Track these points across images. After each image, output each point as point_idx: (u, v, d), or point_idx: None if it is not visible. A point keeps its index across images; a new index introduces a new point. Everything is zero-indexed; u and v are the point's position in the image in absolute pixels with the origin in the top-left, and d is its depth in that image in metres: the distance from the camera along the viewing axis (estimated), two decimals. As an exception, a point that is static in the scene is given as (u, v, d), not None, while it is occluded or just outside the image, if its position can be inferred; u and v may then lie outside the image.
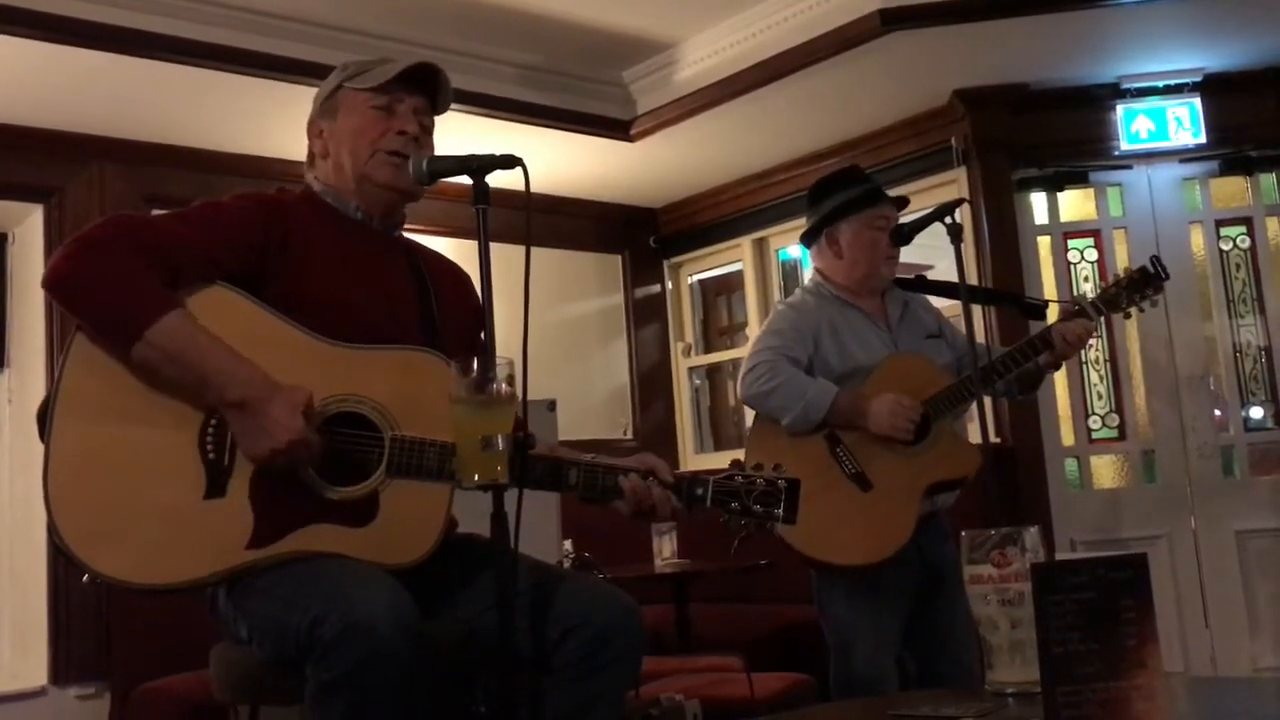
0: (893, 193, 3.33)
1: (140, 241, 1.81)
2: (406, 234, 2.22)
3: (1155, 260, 3.09)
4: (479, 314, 2.18)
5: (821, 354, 3.04)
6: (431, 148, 2.11)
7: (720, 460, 6.08)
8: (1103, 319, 3.13)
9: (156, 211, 4.46)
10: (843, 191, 3.19)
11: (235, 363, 1.79)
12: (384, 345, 1.91)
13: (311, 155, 2.15)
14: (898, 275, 3.24)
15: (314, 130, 2.14)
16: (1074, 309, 3.06)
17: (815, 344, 3.05)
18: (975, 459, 2.97)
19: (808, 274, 6.26)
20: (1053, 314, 3.24)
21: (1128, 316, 3.14)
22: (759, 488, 1.97)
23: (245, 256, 1.91)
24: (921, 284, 3.28)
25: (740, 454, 3.00)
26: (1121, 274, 3.10)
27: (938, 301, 3.37)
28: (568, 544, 4.38)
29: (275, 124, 4.77)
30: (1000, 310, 4.66)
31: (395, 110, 2.07)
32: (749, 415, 6.48)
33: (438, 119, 2.16)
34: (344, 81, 2.11)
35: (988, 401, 3.42)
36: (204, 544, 1.78)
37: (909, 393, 2.96)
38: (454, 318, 2.11)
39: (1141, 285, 3.06)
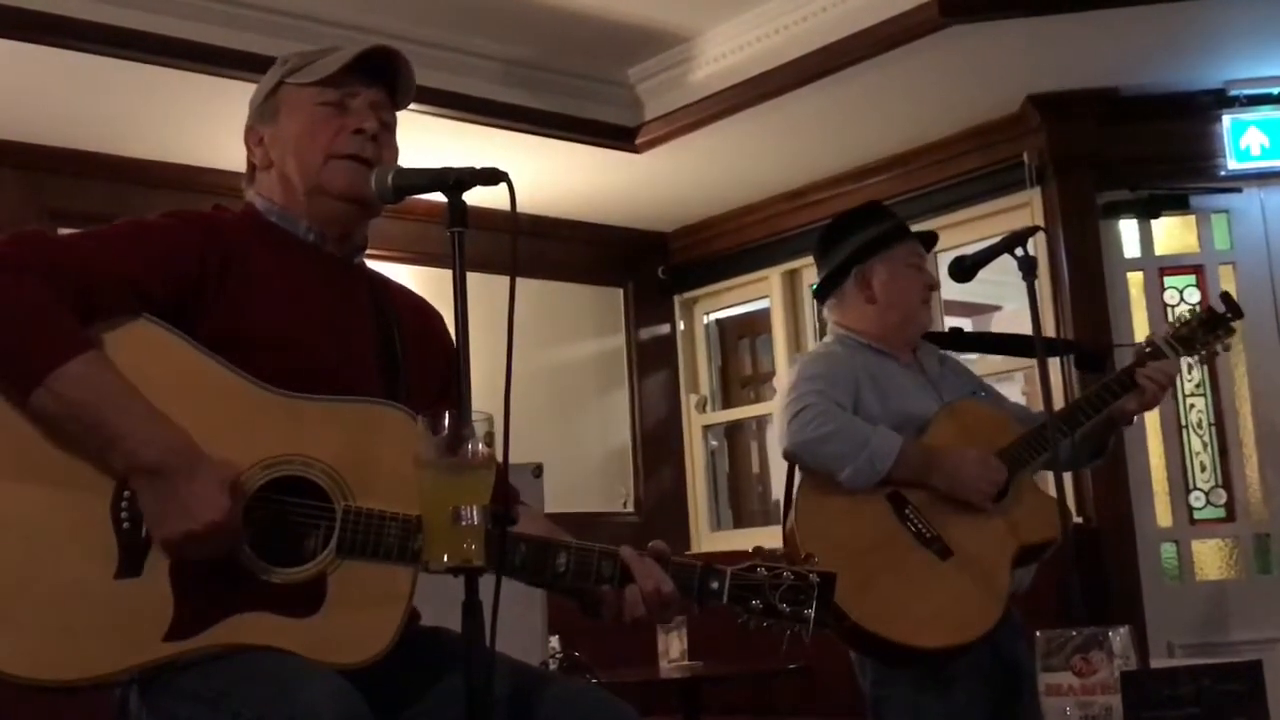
0: (954, 218, 3.41)
1: (50, 265, 1.81)
2: (367, 261, 2.23)
3: (1225, 297, 3.21)
4: (452, 363, 2.19)
5: (863, 405, 3.09)
6: (393, 148, 2.13)
7: (741, 540, 6.10)
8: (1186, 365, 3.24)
9: (64, 230, 4.49)
10: (870, 227, 3.27)
11: (154, 423, 1.78)
12: (339, 397, 1.91)
13: (251, 168, 2.17)
14: (934, 331, 3.37)
15: (252, 138, 2.15)
16: (1146, 350, 3.15)
17: (857, 391, 3.10)
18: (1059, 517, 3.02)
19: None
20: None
21: (1204, 361, 3.24)
22: (786, 582, 1.97)
23: (175, 286, 1.91)
24: (955, 338, 3.37)
25: (769, 532, 3.01)
26: (1190, 313, 3.26)
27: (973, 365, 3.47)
28: (554, 641, 4.36)
29: (210, 127, 4.81)
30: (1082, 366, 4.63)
31: (348, 105, 2.08)
32: (776, 484, 6.44)
33: (404, 121, 2.18)
34: (285, 77, 2.12)
35: (1066, 474, 3.44)
36: (113, 632, 1.76)
37: (976, 444, 3.02)
38: (422, 365, 2.12)
39: (1213, 324, 3.20)
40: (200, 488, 1.75)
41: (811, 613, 1.96)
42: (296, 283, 2.03)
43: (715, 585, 1.98)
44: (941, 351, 3.35)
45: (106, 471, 1.81)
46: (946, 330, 3.47)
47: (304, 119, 2.08)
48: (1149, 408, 3.17)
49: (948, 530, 2.98)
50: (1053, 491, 2.86)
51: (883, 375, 3.15)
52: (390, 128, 2.13)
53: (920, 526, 2.98)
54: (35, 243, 1.85)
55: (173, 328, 1.88)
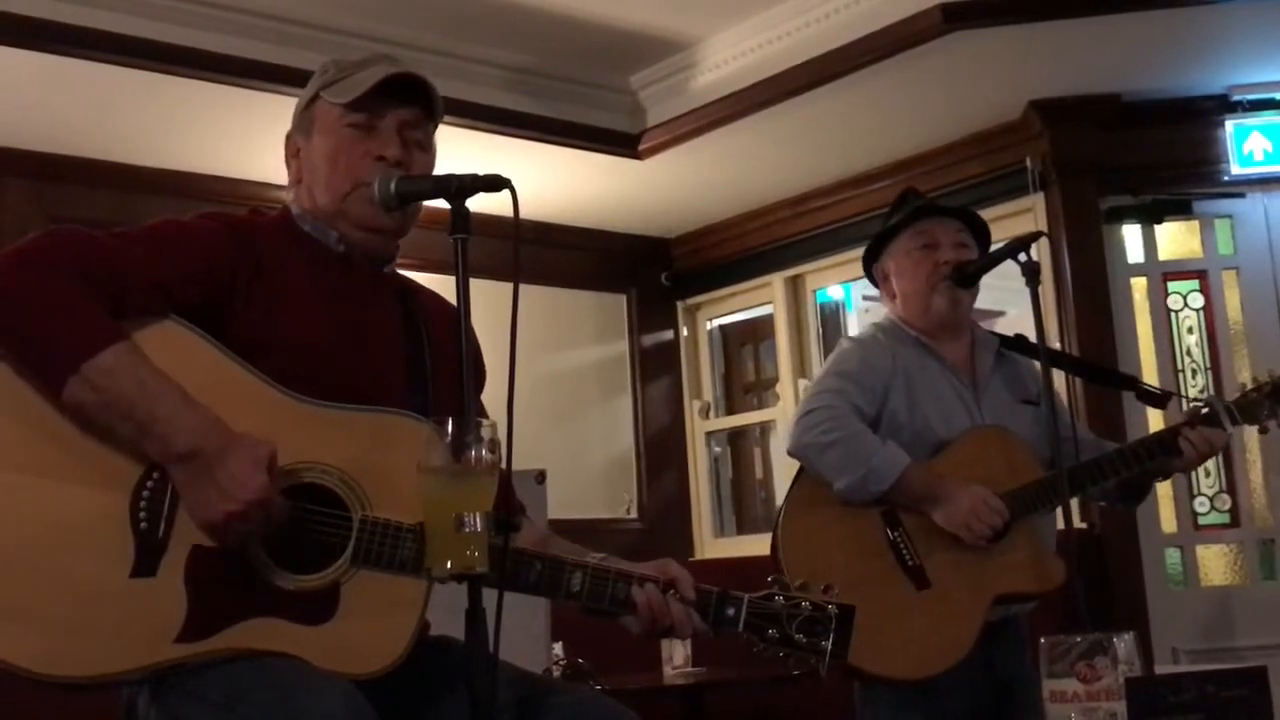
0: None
1: (83, 262, 1.83)
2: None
3: None
4: (481, 368, 2.19)
5: (890, 407, 3.03)
6: (426, 165, 2.13)
7: (744, 547, 6.10)
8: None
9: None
10: (890, 220, 3.22)
11: (187, 408, 1.80)
12: (361, 406, 1.92)
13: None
14: (1000, 333, 3.22)
15: (290, 148, 2.17)
16: (1203, 411, 3.02)
17: (885, 394, 3.03)
18: (1059, 574, 2.95)
19: (852, 318, 6.34)
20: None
21: (1264, 431, 3.08)
22: (803, 613, 1.97)
23: (207, 289, 1.93)
24: (1022, 345, 3.21)
25: (769, 540, 3.00)
26: (1266, 379, 3.05)
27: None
28: (558, 648, 4.35)
29: (214, 135, 4.82)
30: (1087, 380, 4.58)
31: (375, 127, 2.08)
32: (780, 490, 6.42)
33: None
34: (320, 90, 2.13)
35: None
36: (125, 632, 1.78)
37: (990, 478, 2.94)
38: (451, 375, 2.11)
39: None
40: (236, 467, 1.76)
41: (828, 645, 1.96)
42: (325, 292, 2.04)
43: (731, 612, 1.98)
44: (1003, 350, 3.19)
45: (135, 463, 1.83)
46: (1013, 336, 3.25)
47: (332, 141, 2.09)
48: (1186, 470, 3.08)
49: (932, 560, 2.92)
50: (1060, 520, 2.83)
51: (919, 376, 3.06)
52: (421, 145, 2.12)
53: (905, 551, 2.93)
54: (69, 240, 1.87)
55: (200, 330, 1.90)
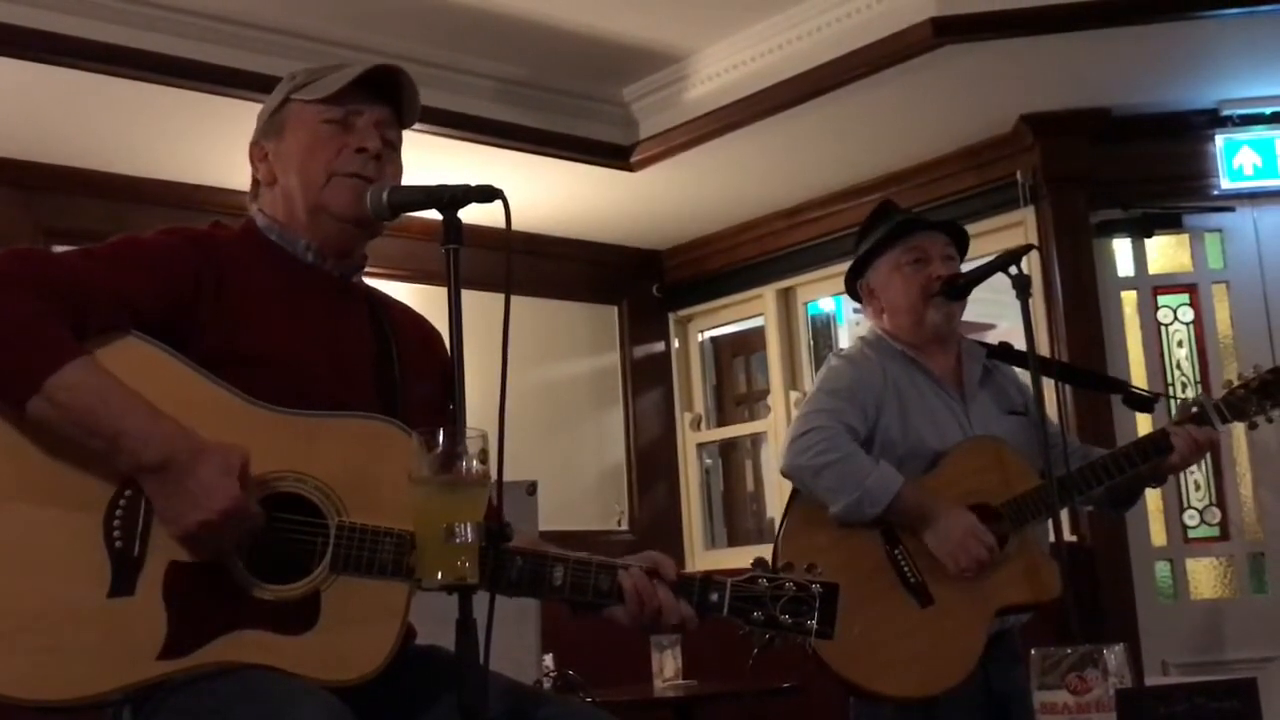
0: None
1: (41, 279, 1.82)
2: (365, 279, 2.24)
3: None
4: (450, 380, 2.19)
5: (883, 423, 3.04)
6: (398, 167, 2.14)
7: (735, 559, 6.08)
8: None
9: (59, 248, 4.48)
10: (871, 234, 3.22)
11: (153, 419, 1.79)
12: (332, 412, 1.92)
13: (255, 183, 2.18)
14: (984, 341, 3.23)
15: (257, 153, 2.17)
16: (1192, 410, 3.04)
17: (878, 411, 3.03)
18: (1055, 583, 2.95)
19: (843, 331, 6.35)
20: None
21: (1253, 427, 3.09)
22: (788, 593, 1.97)
23: (169, 303, 1.92)
24: (1007, 354, 3.22)
25: (763, 550, 3.00)
26: (1252, 374, 3.08)
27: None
28: (548, 659, 4.35)
29: (205, 145, 4.82)
30: (1076, 386, 4.59)
31: (353, 124, 2.09)
32: (771, 503, 6.41)
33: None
34: (291, 93, 2.13)
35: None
36: (106, 652, 1.77)
37: (985, 488, 2.95)
38: (420, 383, 2.12)
39: (1276, 391, 3.04)
40: (207, 476, 1.76)
41: (814, 624, 1.96)
42: (292, 301, 2.04)
43: (715, 597, 1.98)
44: (993, 362, 3.21)
45: (107, 482, 1.82)
46: (996, 344, 3.27)
47: (308, 136, 2.09)
48: (1178, 470, 3.07)
49: (934, 576, 2.92)
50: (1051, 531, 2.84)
51: (910, 391, 3.08)
52: (394, 146, 2.15)
53: (907, 568, 2.94)
54: (27, 258, 1.86)
55: (164, 345, 1.89)
